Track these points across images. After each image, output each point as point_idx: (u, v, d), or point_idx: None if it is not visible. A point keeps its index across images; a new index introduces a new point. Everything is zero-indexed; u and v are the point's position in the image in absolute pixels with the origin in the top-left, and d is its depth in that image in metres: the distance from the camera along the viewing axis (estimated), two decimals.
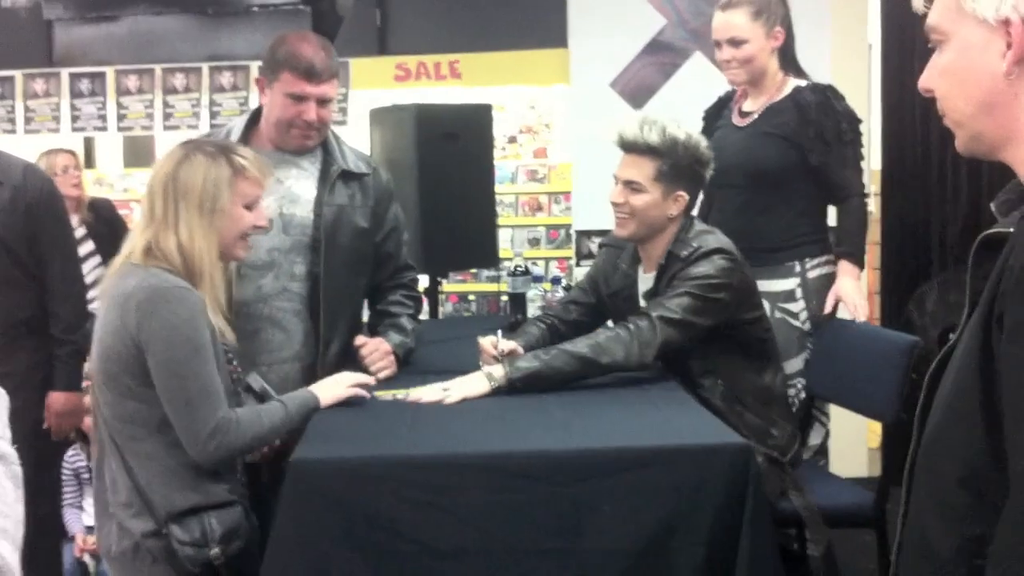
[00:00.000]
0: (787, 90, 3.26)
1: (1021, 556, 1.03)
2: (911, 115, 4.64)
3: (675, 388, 2.53)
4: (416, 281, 3.04)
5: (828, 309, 3.14)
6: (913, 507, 1.25)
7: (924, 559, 1.20)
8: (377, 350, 2.74)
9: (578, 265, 5.18)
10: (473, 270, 5.72)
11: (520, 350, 2.73)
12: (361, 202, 2.80)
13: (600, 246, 3.14)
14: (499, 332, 2.78)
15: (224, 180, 2.21)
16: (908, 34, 4.52)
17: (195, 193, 2.18)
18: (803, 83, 3.28)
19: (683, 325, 2.58)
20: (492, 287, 5.57)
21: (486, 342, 2.73)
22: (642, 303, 2.80)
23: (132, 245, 2.21)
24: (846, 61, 4.73)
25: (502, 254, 4.96)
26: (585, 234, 5.21)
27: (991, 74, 1.20)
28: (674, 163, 2.69)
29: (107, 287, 2.18)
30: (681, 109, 4.61)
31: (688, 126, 2.78)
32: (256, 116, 2.80)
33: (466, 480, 2.01)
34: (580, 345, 2.54)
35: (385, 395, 2.50)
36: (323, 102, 2.69)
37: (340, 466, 2.05)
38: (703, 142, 2.76)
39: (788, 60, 3.30)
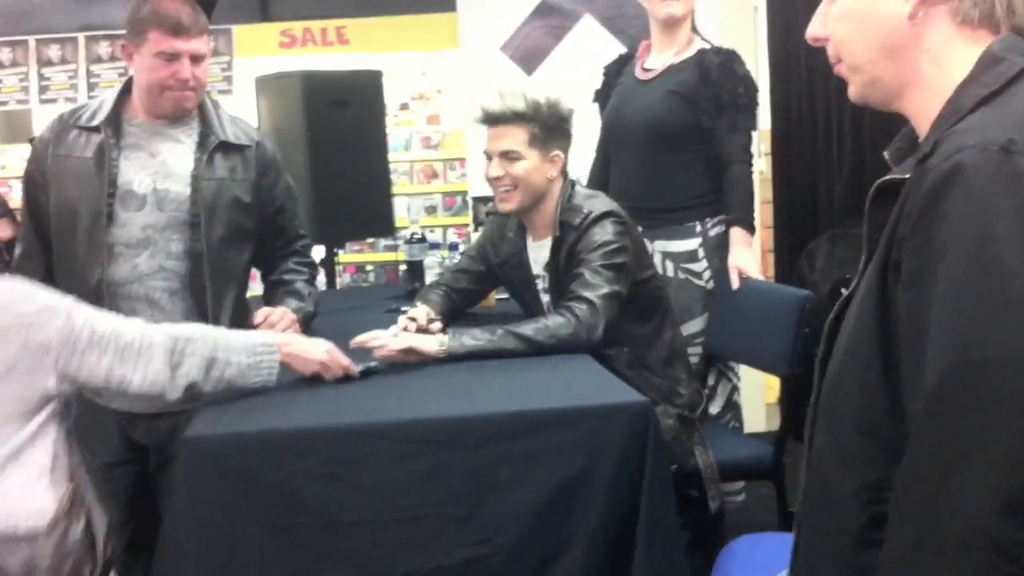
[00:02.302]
0: (692, 51, 3.28)
1: (918, 504, 1.04)
2: (798, 75, 4.70)
3: (581, 356, 2.52)
4: (308, 247, 2.97)
5: (736, 286, 3.15)
6: (814, 455, 1.26)
7: (826, 505, 1.21)
8: (284, 318, 2.66)
9: (475, 231, 5.16)
10: (370, 240, 5.65)
11: (440, 325, 2.72)
12: (243, 175, 2.68)
13: (487, 214, 3.12)
14: (419, 307, 2.77)
15: None
16: None
17: None
18: (707, 45, 3.30)
19: (615, 297, 2.60)
20: (390, 256, 5.51)
21: (418, 313, 2.71)
22: (536, 271, 2.82)
23: None
24: (733, 22, 4.77)
25: (398, 223, 4.91)
26: (481, 200, 5.18)
27: (894, 16, 1.19)
28: (543, 123, 2.70)
29: None
30: (572, 72, 4.69)
31: (565, 89, 2.79)
32: (128, 86, 2.66)
33: (367, 449, 1.98)
34: (526, 328, 2.52)
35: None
36: (196, 59, 2.56)
37: (237, 441, 1.99)
38: (561, 98, 2.76)
39: (694, 22, 3.35)
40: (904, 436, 1.08)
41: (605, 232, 2.64)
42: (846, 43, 1.26)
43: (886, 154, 1.31)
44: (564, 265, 2.68)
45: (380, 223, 4.44)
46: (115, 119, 2.59)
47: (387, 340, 2.44)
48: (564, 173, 2.79)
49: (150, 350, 2.05)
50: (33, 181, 2.65)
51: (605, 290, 2.58)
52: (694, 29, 3.35)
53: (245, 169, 2.68)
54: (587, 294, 2.57)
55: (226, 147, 2.65)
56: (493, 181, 2.75)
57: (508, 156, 2.70)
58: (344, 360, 2.34)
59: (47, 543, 1.95)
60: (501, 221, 2.94)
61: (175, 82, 2.54)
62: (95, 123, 2.56)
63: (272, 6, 5.66)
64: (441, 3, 5.25)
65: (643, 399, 2.10)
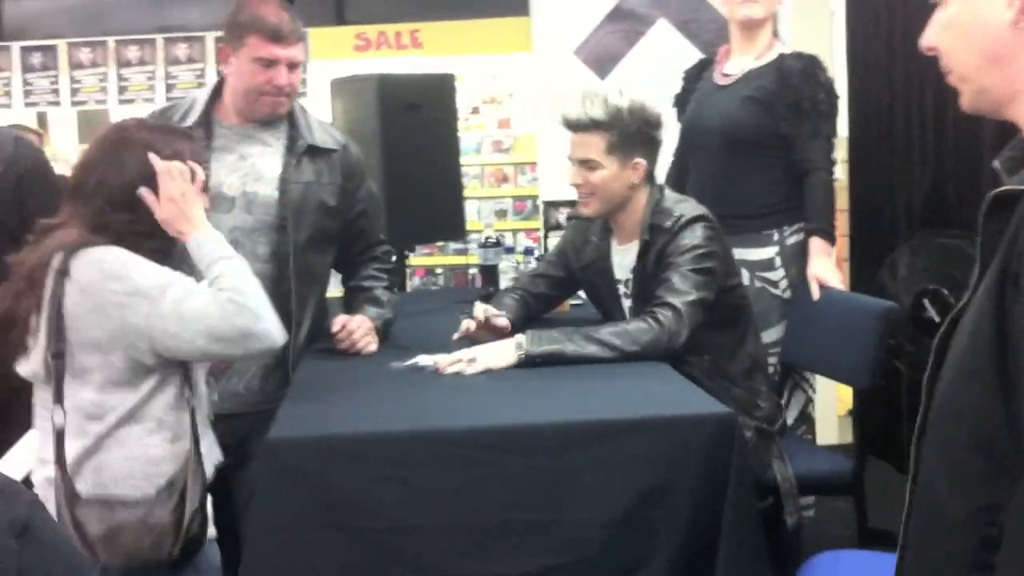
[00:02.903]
0: (772, 55, 3.23)
1: None
2: (877, 82, 4.61)
3: (659, 364, 2.48)
4: (389, 253, 2.97)
5: (816, 296, 3.08)
6: (923, 474, 1.22)
7: (935, 526, 1.17)
8: (361, 326, 2.67)
9: (546, 236, 5.13)
10: (439, 243, 5.66)
11: (506, 320, 2.69)
12: (329, 179, 2.69)
13: (568, 218, 3.10)
14: (477, 303, 2.74)
15: None
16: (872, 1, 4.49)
17: None
18: (788, 51, 3.25)
19: (702, 304, 2.55)
20: (459, 260, 5.52)
21: (479, 313, 2.67)
22: (619, 275, 2.77)
23: None
24: (809, 29, 4.70)
25: (469, 226, 4.90)
26: (552, 205, 5.16)
27: (997, 24, 1.16)
28: (623, 131, 2.64)
29: None
30: (646, 77, 4.65)
31: (642, 94, 2.71)
32: (219, 88, 2.68)
33: (441, 455, 1.97)
34: (607, 333, 2.48)
35: (400, 365, 2.45)
36: (292, 66, 2.59)
37: (314, 444, 1.99)
38: (647, 103, 2.70)
39: (776, 27, 3.31)
40: (1022, 456, 1.04)
41: (695, 236, 2.60)
42: (952, 53, 1.23)
43: (996, 164, 1.27)
44: (652, 268, 2.64)
45: (451, 226, 4.43)
46: (206, 121, 2.61)
47: (462, 367, 2.40)
48: (651, 178, 2.75)
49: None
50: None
51: (692, 296, 2.53)
52: (775, 34, 3.30)
53: (331, 173, 2.69)
54: (673, 300, 2.52)
55: (313, 151, 2.66)
56: (574, 187, 2.72)
57: (587, 164, 2.67)
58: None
59: (147, 510, 2.00)
60: (584, 225, 2.90)
61: (272, 88, 2.56)
62: (187, 124, 2.58)
63: (347, 9, 5.71)
64: (514, 6, 5.25)
65: (727, 410, 2.06)
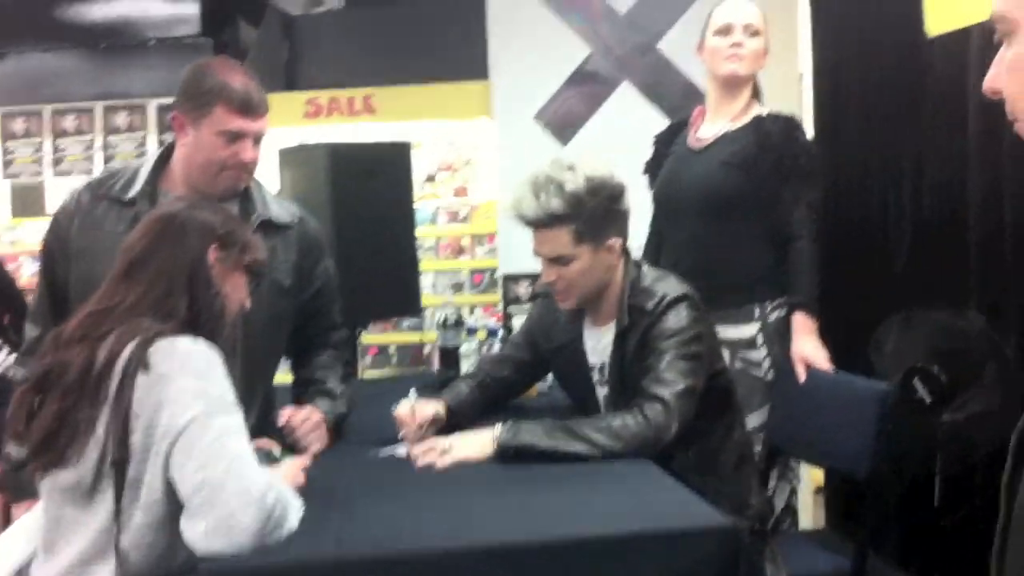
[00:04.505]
0: (748, 117, 3.04)
1: None
2: (846, 143, 4.45)
3: (644, 462, 2.23)
4: (345, 341, 2.74)
5: (803, 379, 2.87)
6: None
7: None
8: (308, 420, 2.41)
9: (506, 311, 4.88)
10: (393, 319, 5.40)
11: (441, 410, 2.47)
12: (283, 256, 2.47)
13: (533, 296, 2.87)
14: (412, 392, 2.48)
15: None
16: (839, 62, 4.35)
17: None
18: (764, 112, 3.07)
19: (691, 394, 2.33)
20: (414, 336, 5.25)
21: (404, 412, 2.41)
22: (593, 360, 2.53)
23: None
24: (778, 91, 4.53)
25: (424, 301, 4.66)
26: (512, 278, 4.90)
27: None
28: (589, 217, 2.40)
29: None
30: (609, 142, 4.45)
31: (600, 162, 2.46)
32: (166, 156, 2.45)
33: None
34: (589, 428, 2.24)
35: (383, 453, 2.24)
36: (258, 140, 2.36)
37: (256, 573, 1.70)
38: (606, 175, 2.43)
39: (758, 88, 3.14)
40: None
41: (680, 318, 2.37)
42: (1019, 99, 1.01)
43: None
44: (634, 355, 2.41)
45: (406, 302, 4.23)
46: (151, 192, 2.37)
47: (433, 459, 2.18)
48: (625, 253, 2.53)
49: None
50: (52, 255, 2.42)
51: (680, 386, 2.30)
52: (757, 96, 3.11)
53: (286, 250, 2.47)
54: (661, 392, 2.29)
55: (268, 226, 2.43)
56: (548, 284, 2.50)
57: (558, 261, 2.44)
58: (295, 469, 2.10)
59: None
60: (553, 302, 2.67)
61: (236, 162, 2.33)
62: (129, 196, 2.35)
63: (298, 74, 5.49)
64: (473, 70, 5.05)
65: (730, 523, 1.82)
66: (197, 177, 2.38)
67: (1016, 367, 2.77)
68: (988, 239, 2.96)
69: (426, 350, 5.40)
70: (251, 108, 2.31)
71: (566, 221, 2.38)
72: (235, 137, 2.31)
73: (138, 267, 1.89)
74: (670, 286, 2.45)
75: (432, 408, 2.46)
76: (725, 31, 3.06)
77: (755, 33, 3.05)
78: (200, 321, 1.88)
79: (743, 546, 1.78)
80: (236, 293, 2.01)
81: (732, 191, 2.99)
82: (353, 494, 2.09)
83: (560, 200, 2.36)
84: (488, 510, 1.97)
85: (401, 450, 2.32)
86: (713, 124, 3.12)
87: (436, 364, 3.39)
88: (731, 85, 3.08)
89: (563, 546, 1.75)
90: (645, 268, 2.54)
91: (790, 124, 3.04)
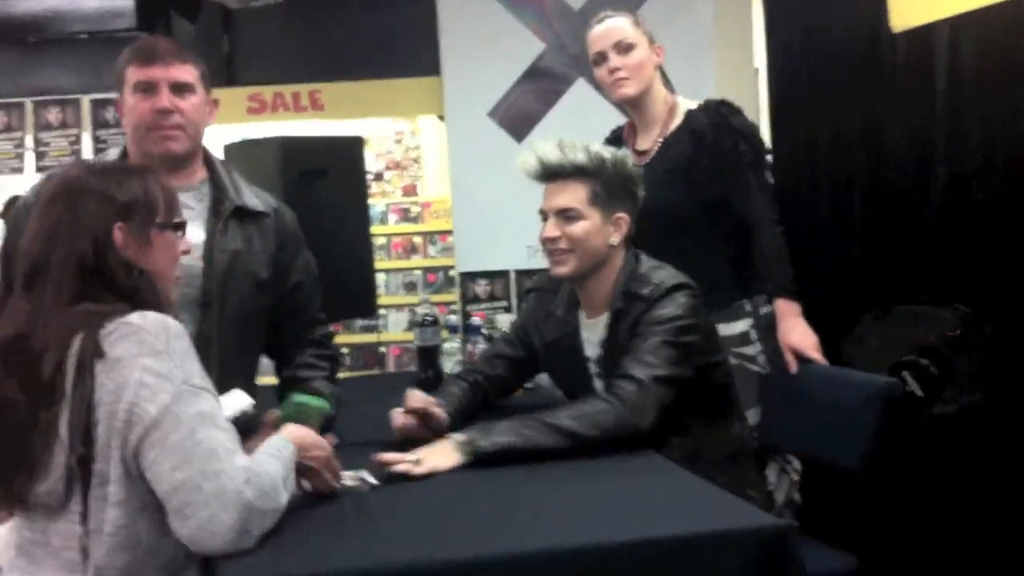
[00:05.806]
0: (680, 117, 2.96)
1: None
2: (801, 139, 4.44)
3: (648, 454, 2.14)
4: (329, 336, 2.63)
5: (794, 369, 2.79)
6: None
7: None
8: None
9: (465, 310, 4.77)
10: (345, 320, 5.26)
11: (439, 409, 2.36)
12: (260, 247, 2.36)
13: (527, 291, 2.79)
14: (410, 392, 2.39)
15: None
16: (794, 58, 4.33)
17: None
18: (694, 105, 2.98)
19: (672, 382, 2.25)
20: (370, 338, 5.11)
21: (414, 401, 2.34)
22: (589, 353, 2.46)
23: None
24: (732, 86, 4.51)
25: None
26: (470, 276, 4.80)
27: None
28: (607, 182, 2.40)
29: None
30: (566, 139, 4.37)
31: None
32: (127, 151, 2.37)
33: None
34: (562, 417, 2.16)
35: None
36: (178, 88, 2.27)
37: None
38: (628, 158, 2.50)
39: (666, 80, 3.04)
40: None
41: (675, 306, 2.31)
42: None
43: None
44: (624, 340, 2.33)
45: (361, 302, 4.09)
46: None
47: (407, 467, 2.06)
48: (628, 241, 2.47)
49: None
50: (10, 254, 2.27)
51: (661, 371, 2.23)
52: (669, 88, 3.02)
53: (262, 240, 2.37)
54: (637, 372, 2.22)
55: (242, 214, 2.34)
56: (547, 242, 2.43)
57: (566, 215, 2.38)
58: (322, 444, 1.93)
59: None
60: (546, 298, 2.60)
61: (156, 115, 2.24)
62: None
63: (239, 70, 5.31)
64: (424, 67, 4.93)
65: (780, 521, 1.71)
66: (135, 150, 2.32)
67: (996, 359, 2.75)
68: (950, 230, 2.93)
69: (380, 350, 5.28)
70: (155, 56, 2.27)
71: (586, 176, 2.38)
72: (147, 88, 2.26)
73: (40, 272, 1.71)
74: (668, 275, 2.39)
75: (440, 406, 2.38)
76: (599, 60, 2.98)
77: (628, 47, 2.92)
78: (137, 297, 1.71)
79: (794, 546, 1.65)
80: (165, 254, 1.80)
81: (683, 207, 2.89)
82: (368, 503, 1.93)
83: (585, 155, 2.38)
84: (502, 516, 1.83)
85: (369, 478, 2.04)
86: (647, 136, 3.02)
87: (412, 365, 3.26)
88: (634, 104, 3.00)
89: (579, 555, 1.60)
90: (644, 258, 2.48)
91: (719, 113, 2.93)
